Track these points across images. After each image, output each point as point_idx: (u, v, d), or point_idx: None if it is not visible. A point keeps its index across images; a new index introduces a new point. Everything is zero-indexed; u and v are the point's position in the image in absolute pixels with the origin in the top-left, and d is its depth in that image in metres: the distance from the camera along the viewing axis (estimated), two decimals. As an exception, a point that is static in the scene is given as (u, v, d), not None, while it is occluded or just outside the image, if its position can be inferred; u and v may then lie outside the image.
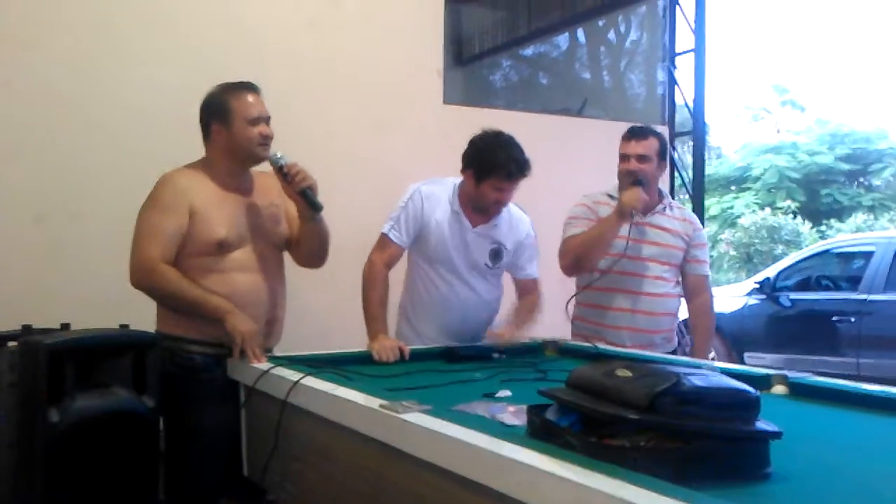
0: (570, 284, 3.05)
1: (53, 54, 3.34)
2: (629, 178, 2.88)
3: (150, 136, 3.37)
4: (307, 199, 2.36)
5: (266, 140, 2.37)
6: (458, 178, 2.75)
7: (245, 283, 2.37)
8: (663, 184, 4.99)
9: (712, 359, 6.69)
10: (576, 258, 2.92)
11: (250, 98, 2.37)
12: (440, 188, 2.76)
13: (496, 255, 2.79)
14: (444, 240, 2.73)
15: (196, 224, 2.31)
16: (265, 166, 2.41)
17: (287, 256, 2.57)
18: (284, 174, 2.35)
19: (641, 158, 2.90)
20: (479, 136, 2.68)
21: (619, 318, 2.96)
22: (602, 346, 2.72)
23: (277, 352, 2.34)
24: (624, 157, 2.94)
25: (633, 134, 2.96)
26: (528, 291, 2.88)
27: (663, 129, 5.29)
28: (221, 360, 2.30)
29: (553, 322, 3.00)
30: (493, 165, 2.59)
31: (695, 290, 3.08)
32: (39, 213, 3.28)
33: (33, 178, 3.30)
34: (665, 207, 3.03)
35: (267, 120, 2.39)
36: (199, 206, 2.32)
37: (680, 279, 3.08)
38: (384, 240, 2.72)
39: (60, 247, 3.29)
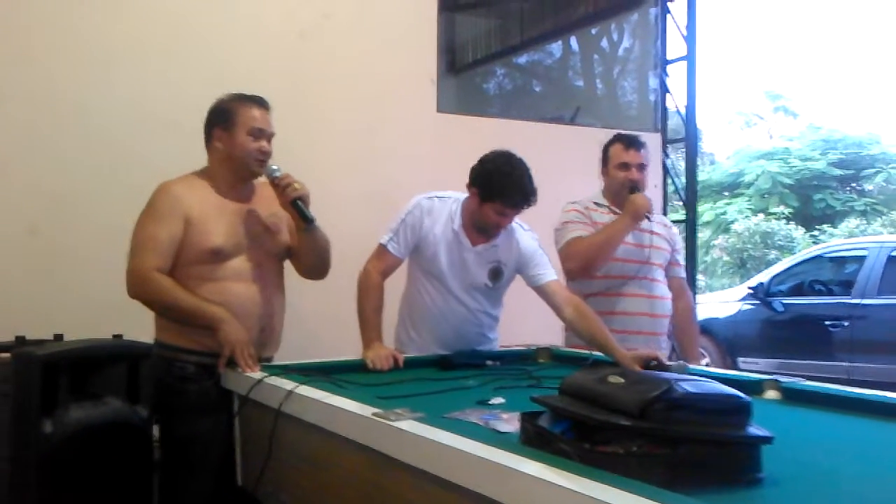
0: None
1: (48, 67, 3.34)
2: (629, 187, 2.95)
3: (144, 147, 3.38)
4: (298, 211, 2.38)
5: (264, 156, 2.38)
6: (462, 194, 2.71)
7: (239, 292, 2.36)
8: (656, 189, 5.06)
9: (706, 364, 6.75)
10: (585, 260, 2.91)
11: (257, 112, 2.38)
12: (442, 204, 2.72)
13: (496, 273, 2.73)
14: (439, 258, 2.69)
15: (191, 232, 2.31)
16: None
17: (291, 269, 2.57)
18: (276, 185, 2.37)
19: (641, 167, 3.00)
20: (491, 158, 2.61)
21: (626, 323, 2.94)
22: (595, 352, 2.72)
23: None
24: (625, 166, 2.99)
25: (632, 143, 3.03)
26: (559, 294, 2.67)
27: (656, 136, 5.32)
28: (214, 370, 2.30)
29: (546, 328, 3.00)
30: (500, 192, 2.54)
31: (677, 292, 3.14)
32: (33, 225, 3.27)
33: (27, 189, 3.29)
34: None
35: (269, 137, 2.40)
36: (195, 214, 2.32)
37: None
38: (382, 250, 2.70)
39: (54, 258, 3.29)
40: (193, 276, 2.31)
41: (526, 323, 3.09)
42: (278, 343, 2.51)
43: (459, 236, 2.69)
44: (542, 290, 2.70)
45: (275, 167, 2.38)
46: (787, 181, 17.90)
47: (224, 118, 2.38)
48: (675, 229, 3.29)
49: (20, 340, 2.72)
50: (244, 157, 2.37)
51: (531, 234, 2.78)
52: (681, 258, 3.21)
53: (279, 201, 2.40)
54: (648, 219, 2.93)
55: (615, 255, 2.94)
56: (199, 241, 2.31)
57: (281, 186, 2.36)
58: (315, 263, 2.54)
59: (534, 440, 1.41)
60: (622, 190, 2.96)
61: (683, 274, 3.22)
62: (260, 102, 2.40)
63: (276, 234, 2.49)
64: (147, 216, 2.33)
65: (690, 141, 5.74)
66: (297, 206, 2.37)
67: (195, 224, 2.31)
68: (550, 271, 2.72)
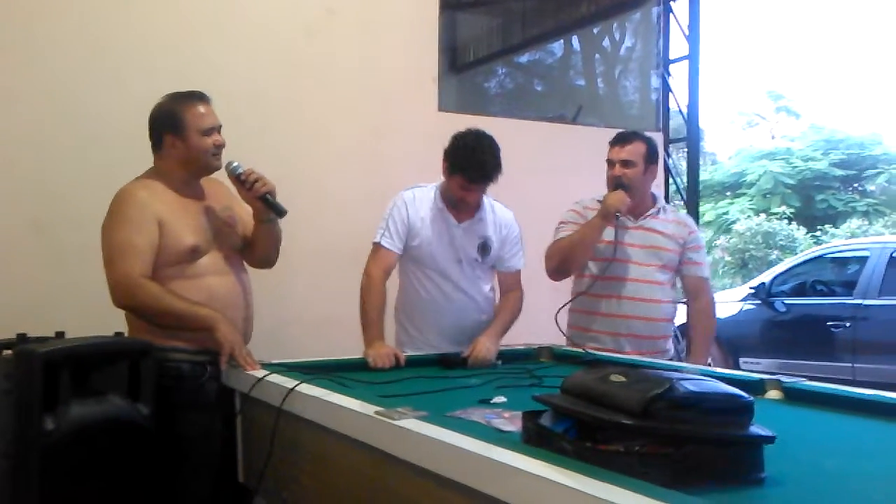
0: (564, 293, 3.06)
1: (55, 63, 3.34)
2: (613, 184, 2.94)
3: (147, 145, 3.37)
4: (270, 205, 2.40)
5: (219, 150, 2.40)
6: (441, 181, 2.79)
7: (220, 286, 2.39)
8: (657, 189, 5.05)
9: (708, 364, 6.73)
10: (559, 261, 2.96)
11: (202, 108, 2.39)
12: (422, 191, 2.82)
13: (484, 247, 2.82)
14: (430, 239, 2.76)
15: (165, 234, 2.31)
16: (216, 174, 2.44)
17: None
18: (242, 182, 2.39)
19: (625, 163, 2.94)
20: (462, 134, 2.71)
21: (616, 325, 2.96)
22: (595, 351, 2.73)
23: (270, 358, 2.33)
24: (609, 163, 2.99)
25: (617, 140, 3.02)
26: (510, 286, 2.89)
27: (657, 136, 5.30)
28: (208, 367, 2.31)
29: (547, 328, 3.00)
30: (461, 166, 2.64)
31: (694, 292, 3.08)
32: (37, 221, 3.27)
33: (30, 185, 3.29)
34: (658, 211, 3.05)
35: (219, 129, 2.41)
36: (165, 216, 2.32)
37: (677, 283, 3.10)
38: (378, 249, 2.73)
39: (56, 255, 3.28)
40: (171, 276, 2.32)
41: (527, 322, 3.09)
42: (252, 331, 2.52)
43: (444, 213, 2.77)
44: (500, 276, 2.91)
45: (235, 163, 2.41)
46: (789, 181, 17.91)
47: (173, 123, 2.37)
48: (693, 227, 3.13)
49: (22, 337, 2.72)
50: (203, 156, 2.38)
51: (511, 215, 2.90)
52: (697, 256, 3.05)
53: (243, 197, 2.42)
54: (617, 217, 2.86)
55: (595, 254, 2.95)
56: (174, 242, 2.32)
57: (249, 182, 2.37)
58: (270, 254, 2.58)
59: (536, 439, 1.41)
60: (610, 187, 2.97)
61: (702, 273, 3.06)
62: (202, 98, 2.41)
63: (234, 228, 2.51)
64: (117, 223, 2.31)
65: (692, 141, 5.73)
66: (268, 200, 2.40)
67: (167, 225, 2.32)
68: (517, 261, 2.89)
